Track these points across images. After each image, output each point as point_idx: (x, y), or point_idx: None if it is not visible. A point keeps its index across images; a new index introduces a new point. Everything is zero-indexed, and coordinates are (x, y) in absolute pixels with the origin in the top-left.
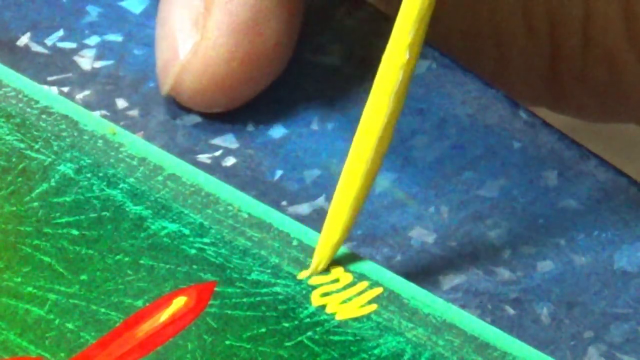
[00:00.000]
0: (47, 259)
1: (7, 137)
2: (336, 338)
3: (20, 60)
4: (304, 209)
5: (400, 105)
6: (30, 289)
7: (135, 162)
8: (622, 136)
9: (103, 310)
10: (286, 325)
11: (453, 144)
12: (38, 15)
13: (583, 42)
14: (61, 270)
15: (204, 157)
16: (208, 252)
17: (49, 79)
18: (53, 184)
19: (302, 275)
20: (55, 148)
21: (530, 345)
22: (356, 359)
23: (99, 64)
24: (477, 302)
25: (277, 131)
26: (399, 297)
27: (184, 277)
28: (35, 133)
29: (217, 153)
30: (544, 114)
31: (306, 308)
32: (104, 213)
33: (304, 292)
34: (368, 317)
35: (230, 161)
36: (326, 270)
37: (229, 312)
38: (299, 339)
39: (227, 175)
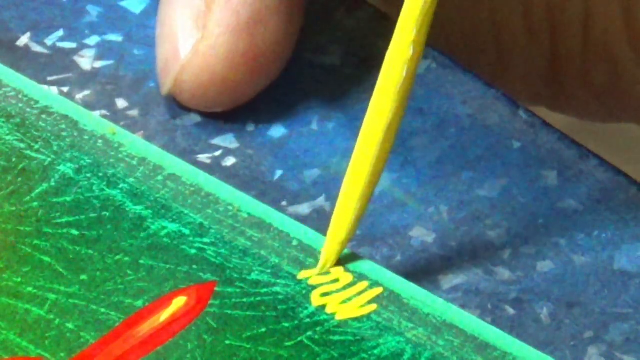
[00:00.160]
0: (47, 259)
1: (7, 137)
2: (336, 338)
3: (20, 60)
4: (304, 209)
5: (405, 102)
6: (30, 289)
7: (135, 162)
8: (622, 136)
9: (103, 310)
10: (286, 325)
11: (453, 144)
12: (38, 15)
13: (583, 42)
14: (61, 270)
15: (204, 157)
16: (208, 252)
17: (49, 79)
18: (53, 184)
19: (306, 274)
20: (55, 148)
21: (530, 345)
22: (356, 359)
23: (99, 64)
24: (477, 302)
25: (277, 131)
26: (399, 297)
27: (184, 277)
28: (35, 133)
29: (217, 153)
30: (544, 114)
31: (306, 308)
32: (104, 213)
33: (303, 292)
34: (368, 317)
35: (230, 161)
36: (326, 271)
37: (229, 312)
38: (299, 339)
39: (227, 175)
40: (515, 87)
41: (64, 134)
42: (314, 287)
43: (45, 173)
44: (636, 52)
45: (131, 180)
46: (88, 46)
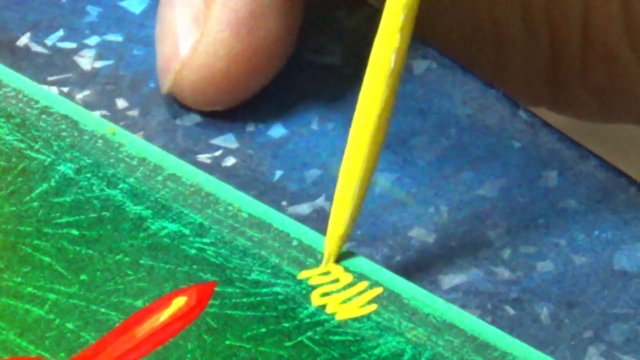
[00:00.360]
0: (47, 259)
1: (7, 137)
2: (336, 338)
3: (20, 60)
4: (304, 209)
5: (395, 91)
6: (30, 289)
7: (135, 162)
8: (622, 136)
9: (103, 310)
10: (286, 325)
11: (453, 144)
12: (38, 15)
13: (582, 42)
14: (61, 270)
15: (204, 157)
16: (208, 252)
17: (49, 79)
18: (53, 184)
19: (306, 274)
20: (55, 148)
21: (530, 345)
22: (356, 359)
23: (99, 64)
24: (477, 302)
25: (277, 131)
26: (399, 297)
27: (184, 277)
28: (35, 133)
29: (217, 153)
30: (544, 114)
31: (306, 308)
32: (104, 213)
33: (303, 292)
34: (368, 317)
35: (230, 161)
36: (326, 271)
37: (229, 312)
38: (299, 339)
39: (227, 175)
40: (514, 88)
41: (64, 134)
42: (314, 287)
43: (45, 173)
44: (635, 53)
45: (131, 180)
46: (88, 46)
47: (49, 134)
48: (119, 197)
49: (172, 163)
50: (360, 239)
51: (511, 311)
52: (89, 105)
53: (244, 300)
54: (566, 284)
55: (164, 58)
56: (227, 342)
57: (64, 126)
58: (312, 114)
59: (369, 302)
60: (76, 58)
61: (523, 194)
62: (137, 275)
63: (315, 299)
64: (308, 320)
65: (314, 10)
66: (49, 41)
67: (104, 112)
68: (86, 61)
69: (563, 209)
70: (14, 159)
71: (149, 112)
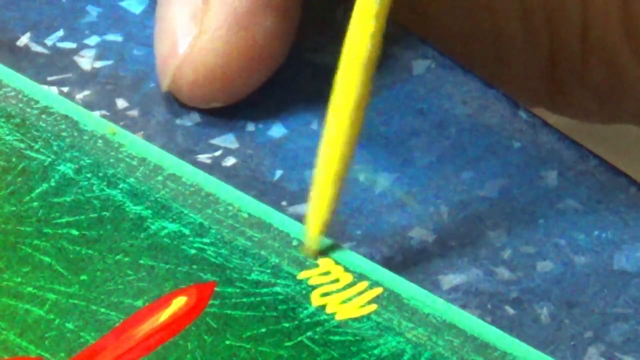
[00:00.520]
0: (47, 259)
1: (7, 137)
2: (336, 338)
3: (20, 60)
4: (304, 209)
5: (371, 77)
6: (30, 289)
7: (135, 162)
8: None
9: (103, 310)
10: (286, 325)
11: (453, 144)
12: (38, 15)
13: (582, 43)
14: (61, 270)
15: (204, 157)
16: (208, 252)
17: (49, 79)
18: (53, 184)
19: (306, 274)
20: (55, 148)
21: (530, 345)
22: (356, 359)
23: (99, 64)
24: (477, 302)
25: (277, 131)
26: (399, 297)
27: (184, 277)
28: (35, 133)
29: (217, 153)
30: (544, 114)
31: (306, 308)
32: (104, 213)
33: (303, 292)
34: (368, 317)
35: (230, 161)
36: (326, 271)
37: (229, 312)
38: (299, 339)
39: (227, 175)
40: (514, 88)
41: (64, 134)
42: (314, 287)
43: (45, 173)
44: (635, 53)
45: (131, 180)
46: (88, 46)
47: (49, 134)
48: (119, 197)
49: (172, 163)
50: (360, 239)
51: (511, 311)
52: (89, 105)
53: (244, 300)
54: (566, 284)
55: (163, 56)
56: (227, 342)
57: (64, 126)
58: (312, 114)
59: (369, 302)
60: (76, 58)
61: (523, 194)
62: (137, 275)
63: (315, 299)
64: (308, 320)
65: (313, 10)
66: (49, 41)
67: (104, 112)
68: (86, 61)
69: (563, 209)
70: (14, 159)
71: (149, 112)
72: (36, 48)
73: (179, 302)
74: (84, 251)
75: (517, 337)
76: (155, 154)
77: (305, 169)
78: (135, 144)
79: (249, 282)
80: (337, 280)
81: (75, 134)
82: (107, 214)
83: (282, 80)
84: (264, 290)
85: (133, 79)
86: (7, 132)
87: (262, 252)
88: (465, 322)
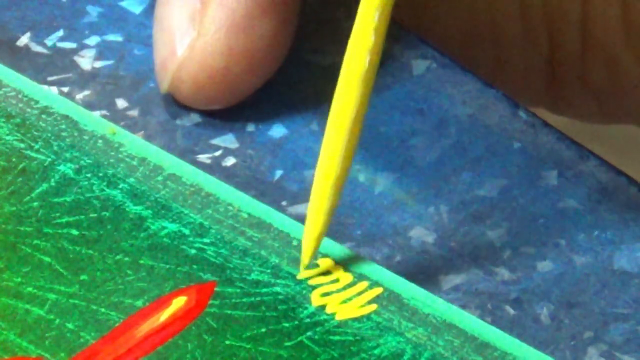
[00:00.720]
0: (47, 259)
1: (7, 137)
2: (336, 338)
3: (20, 60)
4: (304, 209)
5: (369, 90)
6: (30, 289)
7: (135, 162)
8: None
9: (103, 310)
10: (286, 325)
11: (453, 144)
12: (38, 15)
13: (581, 43)
14: (61, 270)
15: (204, 157)
16: (208, 252)
17: (49, 79)
18: (53, 184)
19: (306, 274)
20: (55, 148)
21: (530, 345)
22: (356, 359)
23: (99, 64)
24: (477, 302)
25: (277, 131)
26: (399, 297)
27: (184, 277)
28: (35, 133)
29: (217, 153)
30: (544, 114)
31: (306, 308)
32: (104, 213)
33: (304, 292)
34: (368, 317)
35: (230, 161)
36: (326, 271)
37: (229, 312)
38: (299, 339)
39: (227, 175)
40: (514, 88)
41: (64, 134)
42: (314, 287)
43: (45, 173)
44: (634, 53)
45: (131, 180)
46: (88, 46)
47: (49, 134)
48: (119, 197)
49: (172, 163)
50: (360, 239)
51: (511, 311)
52: (89, 105)
53: (244, 300)
54: (566, 284)
55: (161, 58)
56: (227, 342)
57: (64, 126)
58: (312, 114)
59: (369, 302)
60: (76, 58)
61: (523, 194)
62: (137, 275)
63: (315, 299)
64: (308, 320)
65: (313, 11)
66: (49, 41)
67: (104, 112)
68: (86, 61)
69: (563, 209)
70: (14, 159)
71: (149, 112)
72: (36, 48)
73: (179, 302)
74: (84, 251)
75: (517, 337)
76: (155, 154)
77: (305, 169)
78: (135, 144)
79: (249, 282)
80: (337, 280)
81: (76, 134)
82: (107, 214)
83: (282, 80)
84: (264, 290)
85: (133, 79)
86: (7, 132)
87: (262, 252)
88: (465, 322)
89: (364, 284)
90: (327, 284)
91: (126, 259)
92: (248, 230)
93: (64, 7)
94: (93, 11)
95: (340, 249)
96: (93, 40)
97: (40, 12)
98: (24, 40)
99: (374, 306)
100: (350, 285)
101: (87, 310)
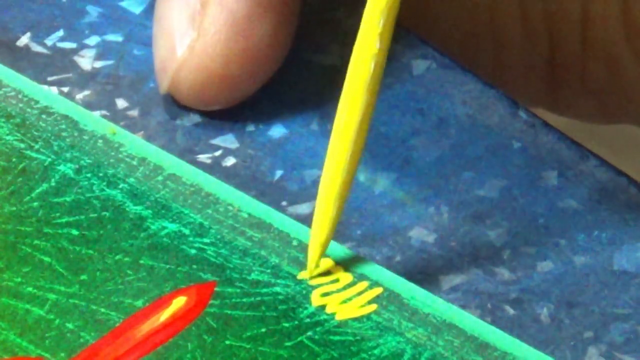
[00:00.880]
0: (47, 259)
1: (7, 137)
2: (336, 338)
3: (20, 60)
4: (304, 209)
5: (374, 97)
6: (30, 289)
7: (135, 162)
8: (622, 136)
9: (103, 310)
10: (286, 325)
11: (453, 144)
12: (38, 15)
13: (581, 43)
14: (61, 270)
15: (204, 157)
16: (208, 252)
17: (49, 79)
18: (53, 184)
19: (306, 274)
20: (55, 148)
21: (530, 345)
22: (356, 359)
23: (99, 64)
24: (477, 302)
25: (277, 131)
26: (399, 297)
27: (184, 277)
28: (35, 133)
29: (217, 153)
30: (544, 114)
31: (306, 308)
32: (104, 213)
33: (304, 292)
34: (368, 317)
35: (230, 161)
36: (326, 271)
37: (229, 312)
38: (299, 339)
39: (227, 175)
40: (514, 88)
41: (64, 134)
42: (314, 287)
43: (45, 173)
44: (634, 53)
45: (131, 180)
46: (88, 46)
47: (49, 134)
48: (119, 197)
49: (172, 163)
50: (360, 239)
51: (511, 311)
52: (89, 105)
53: (244, 300)
54: (566, 284)
55: (161, 59)
56: (227, 342)
57: (64, 126)
58: (312, 114)
59: (369, 302)
60: (76, 58)
61: (523, 194)
62: (137, 275)
63: (315, 299)
64: (308, 320)
65: (313, 10)
66: (49, 41)
67: (104, 112)
68: (86, 61)
69: (563, 209)
70: (14, 159)
71: (149, 112)
72: (36, 48)
73: (179, 302)
74: (84, 251)
75: (517, 337)
76: (155, 154)
77: (305, 169)
78: (135, 144)
79: (249, 282)
80: (337, 280)
81: (76, 134)
82: (107, 214)
83: (282, 80)
84: (264, 290)
85: (133, 79)
86: (7, 132)
87: (262, 252)
88: (465, 322)
89: (364, 284)
90: (327, 284)
91: (126, 259)
92: (248, 230)
93: (64, 7)
94: (93, 11)
95: (340, 249)
96: (93, 40)
97: (40, 12)
98: (24, 40)
99: (374, 306)
100: (350, 285)
101: (87, 310)
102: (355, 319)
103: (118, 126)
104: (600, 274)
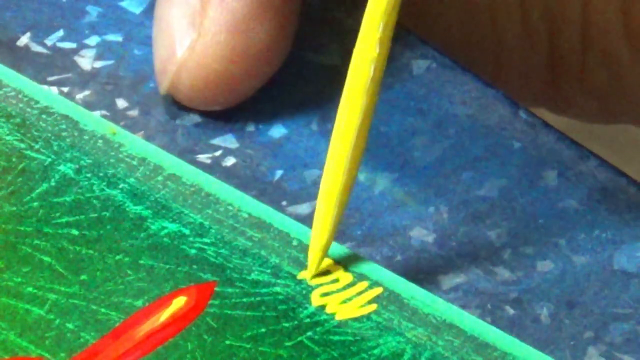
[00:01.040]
0: (47, 259)
1: (7, 137)
2: (336, 338)
3: (20, 60)
4: (304, 209)
5: (374, 101)
6: (30, 289)
7: (135, 162)
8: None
9: (103, 310)
10: (286, 325)
11: (453, 144)
12: (38, 15)
13: (581, 43)
14: (61, 270)
15: (204, 157)
16: (208, 252)
17: (49, 79)
18: (53, 184)
19: (301, 275)
20: (55, 148)
21: (530, 345)
22: (356, 359)
23: (99, 64)
24: (477, 302)
25: (277, 131)
26: (399, 297)
27: (184, 277)
28: (35, 133)
29: (217, 153)
30: (544, 114)
31: (306, 308)
32: (104, 213)
33: (303, 292)
34: (368, 317)
35: (230, 161)
36: (326, 271)
37: (229, 312)
38: (299, 339)
39: (227, 175)
40: (514, 88)
41: (64, 134)
42: (313, 287)
43: (45, 173)
44: (634, 54)
45: (131, 180)
46: (88, 46)
47: (49, 134)
48: (119, 197)
49: (172, 163)
50: (360, 239)
51: (511, 311)
52: (89, 105)
53: (244, 300)
54: (566, 284)
55: (161, 59)
56: (227, 342)
57: (64, 126)
58: (312, 114)
59: (369, 302)
60: (76, 58)
61: (523, 194)
62: (137, 275)
63: (315, 299)
64: (308, 320)
65: (313, 10)
66: (49, 41)
67: (104, 112)
68: (86, 61)
69: (563, 209)
70: (14, 159)
71: (149, 112)
72: (36, 48)
73: (179, 302)
74: (84, 251)
75: (517, 337)
76: (155, 154)
77: (305, 169)
78: (135, 144)
79: (249, 282)
80: (337, 280)
81: (76, 134)
82: (107, 214)
83: (282, 80)
84: (264, 290)
85: (133, 79)
86: (7, 132)
87: (262, 252)
88: (465, 322)
89: (364, 284)
90: (327, 284)
91: (126, 259)
92: (248, 230)
93: (64, 7)
94: (93, 11)
95: (340, 249)
96: (93, 40)
97: (40, 12)
98: (24, 40)
99: (374, 306)
100: (350, 285)
101: (87, 310)
102: (355, 319)
103: (118, 126)
104: (600, 274)
